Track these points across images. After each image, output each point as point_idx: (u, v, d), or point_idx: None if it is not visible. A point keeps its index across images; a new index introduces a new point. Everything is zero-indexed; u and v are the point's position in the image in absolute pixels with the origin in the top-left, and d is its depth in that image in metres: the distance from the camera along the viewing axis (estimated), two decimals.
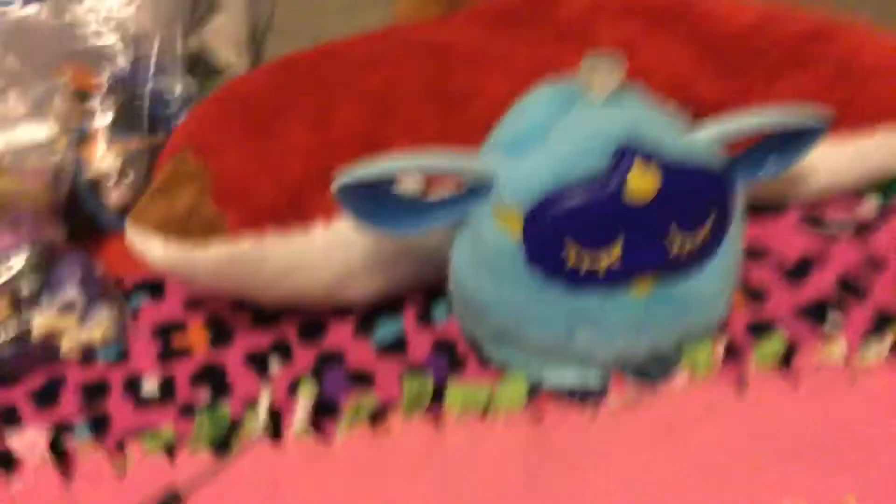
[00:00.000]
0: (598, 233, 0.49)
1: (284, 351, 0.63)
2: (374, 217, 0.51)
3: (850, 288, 0.61)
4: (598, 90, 0.49)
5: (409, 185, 0.56)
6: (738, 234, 0.54)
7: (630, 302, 0.51)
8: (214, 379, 0.61)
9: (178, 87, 0.81)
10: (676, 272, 0.51)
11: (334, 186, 0.47)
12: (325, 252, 0.56)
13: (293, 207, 0.55)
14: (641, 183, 0.47)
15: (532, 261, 0.50)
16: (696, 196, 0.49)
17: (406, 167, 0.49)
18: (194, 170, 0.56)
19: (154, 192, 0.55)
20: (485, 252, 0.51)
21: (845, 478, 0.49)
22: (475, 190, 0.52)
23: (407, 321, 0.64)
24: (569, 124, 0.49)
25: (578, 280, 0.50)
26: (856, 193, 0.69)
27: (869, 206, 0.68)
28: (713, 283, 0.52)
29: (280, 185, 0.55)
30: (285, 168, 0.55)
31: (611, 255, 0.49)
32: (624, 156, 0.47)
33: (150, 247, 0.54)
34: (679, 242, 0.50)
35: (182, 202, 0.54)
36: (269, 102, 0.60)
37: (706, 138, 0.51)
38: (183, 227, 0.53)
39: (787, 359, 0.57)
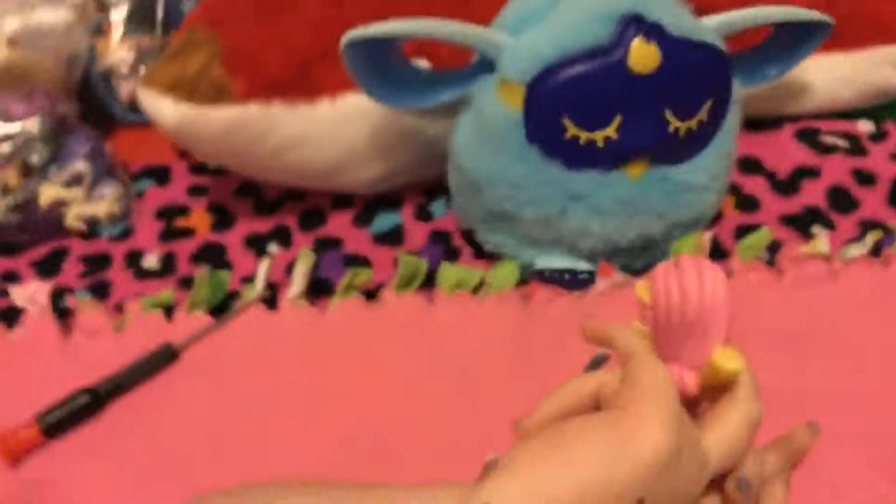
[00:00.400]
0: (599, 106, 0.49)
1: (284, 236, 0.64)
2: (381, 85, 0.52)
3: (840, 199, 0.62)
4: None
5: (419, 63, 0.56)
6: (731, 131, 0.54)
7: (625, 182, 0.51)
8: (214, 257, 0.62)
9: None
10: (671, 155, 0.52)
11: (343, 41, 0.48)
12: (330, 128, 0.57)
13: (301, 80, 0.56)
14: (644, 55, 0.48)
15: (532, 134, 0.50)
16: (695, 76, 0.50)
17: (414, 30, 0.49)
18: (206, 38, 0.57)
19: (166, 57, 0.56)
20: (486, 128, 0.52)
21: (816, 363, 0.50)
22: (480, 65, 0.53)
23: (405, 214, 0.65)
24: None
25: (576, 156, 0.51)
26: (849, 117, 0.69)
27: (862, 128, 0.69)
28: (704, 173, 0.53)
29: (290, 57, 0.56)
30: (296, 40, 0.56)
31: (609, 129, 0.50)
32: (628, 27, 0.48)
33: (160, 107, 0.55)
34: (676, 122, 0.50)
35: (192, 66, 0.55)
36: None
37: (710, 24, 0.52)
38: (192, 90, 0.54)
39: (772, 257, 0.57)
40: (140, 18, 0.80)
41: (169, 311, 0.57)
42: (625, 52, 0.48)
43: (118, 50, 0.78)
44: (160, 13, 0.80)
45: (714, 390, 0.33)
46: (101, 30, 0.79)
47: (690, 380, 0.33)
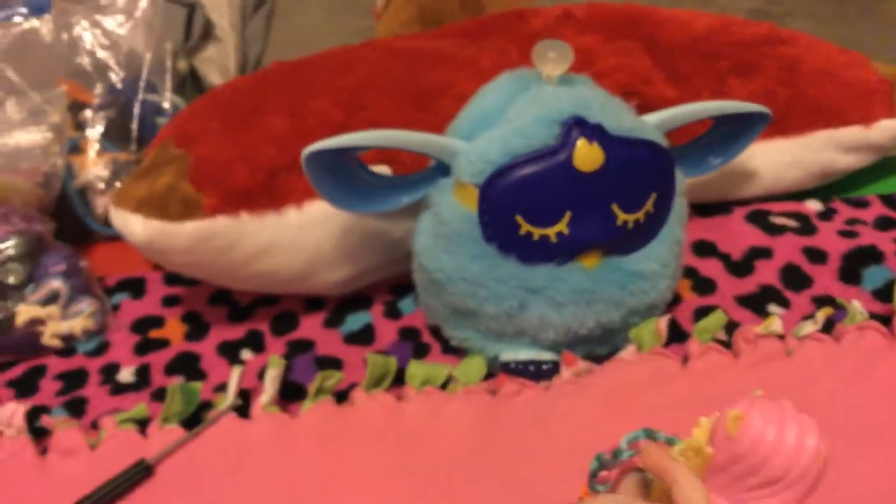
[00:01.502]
0: (549, 204, 0.52)
1: (257, 341, 0.65)
2: (342, 193, 0.54)
3: (793, 277, 0.64)
4: (548, 72, 0.53)
5: (379, 170, 0.59)
6: (679, 219, 0.57)
7: (580, 274, 0.53)
8: (188, 367, 0.63)
9: (166, 105, 0.86)
10: (622, 246, 0.54)
11: (303, 154, 0.50)
12: (297, 234, 0.59)
13: (267, 190, 0.58)
14: (588, 154, 0.51)
15: (488, 233, 0.53)
16: (638, 171, 0.53)
17: (370, 141, 0.52)
18: (175, 156, 0.59)
19: (136, 175, 0.59)
20: (444, 228, 0.54)
21: None
22: (437, 169, 0.55)
23: (374, 313, 0.66)
24: (521, 104, 0.53)
25: (531, 252, 0.53)
26: (798, 198, 0.72)
27: (810, 207, 0.72)
28: (656, 262, 0.55)
29: (255, 170, 0.58)
30: (261, 154, 0.59)
31: (560, 225, 0.52)
32: (571, 129, 0.51)
33: (130, 225, 0.56)
34: (623, 215, 0.53)
35: (161, 183, 0.57)
36: (249, 100, 0.64)
37: (651, 121, 0.55)
38: (161, 207, 0.56)
39: (730, 338, 0.59)
40: (116, 135, 0.83)
41: (144, 425, 0.57)
42: (570, 152, 0.51)
43: (94, 166, 0.81)
44: (135, 129, 0.84)
45: None
46: (77, 147, 0.82)
47: None
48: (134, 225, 0.56)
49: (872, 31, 1.10)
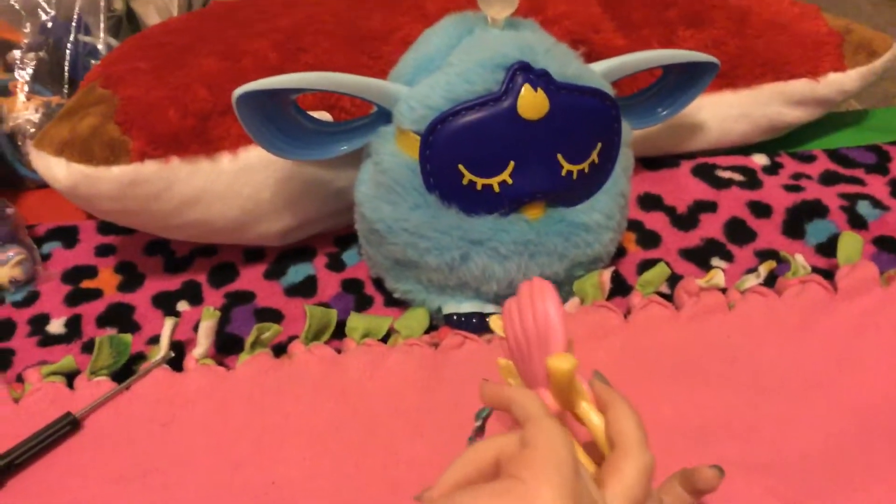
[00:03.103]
0: (492, 152, 0.50)
1: (194, 293, 0.63)
2: (277, 139, 0.52)
3: (737, 231, 0.64)
4: (493, 15, 0.51)
5: (319, 116, 0.57)
6: (625, 171, 0.56)
7: (523, 225, 0.52)
8: (121, 318, 0.61)
9: (101, 46, 0.82)
10: (567, 197, 0.53)
11: (234, 95, 0.48)
12: (232, 181, 0.57)
13: (199, 135, 0.56)
14: (532, 102, 0.49)
15: (430, 182, 0.51)
16: (583, 120, 0.51)
17: (305, 82, 0.50)
18: (101, 97, 0.56)
19: (59, 117, 0.56)
20: (385, 178, 0.52)
21: (714, 393, 0.51)
22: (378, 116, 0.53)
23: (317, 265, 0.65)
24: (465, 48, 0.51)
25: (474, 202, 0.51)
26: (744, 152, 0.72)
27: (756, 161, 0.71)
28: (600, 213, 0.54)
29: (186, 113, 0.55)
30: (193, 96, 0.56)
31: (504, 174, 0.50)
32: (516, 75, 0.49)
33: (52, 168, 0.54)
34: (568, 165, 0.51)
35: (85, 125, 0.54)
36: (183, 40, 0.61)
37: (598, 70, 0.54)
38: (85, 150, 0.53)
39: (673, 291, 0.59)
40: (47, 77, 0.79)
41: (72, 378, 0.55)
42: (514, 99, 0.49)
43: (24, 109, 0.77)
44: (67, 71, 0.80)
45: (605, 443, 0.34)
46: (6, 90, 0.78)
47: (549, 398, 0.36)
48: (56, 169, 0.53)
49: None
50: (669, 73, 0.61)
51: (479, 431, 0.38)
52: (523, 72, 0.49)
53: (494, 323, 0.36)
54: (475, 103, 0.49)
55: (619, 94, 0.56)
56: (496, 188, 0.51)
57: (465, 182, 0.51)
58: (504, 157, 0.50)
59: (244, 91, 0.48)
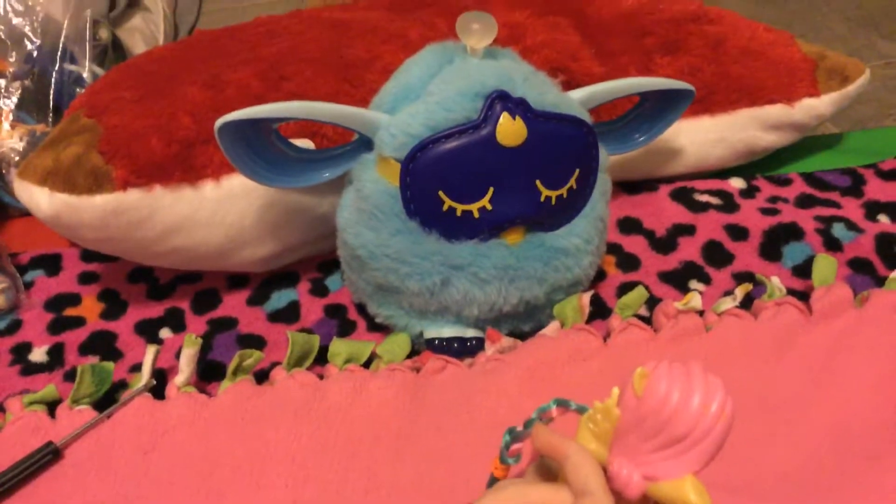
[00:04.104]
0: (471, 179, 0.51)
1: (177, 320, 0.63)
2: (259, 167, 0.52)
3: (715, 254, 0.65)
4: (472, 44, 0.52)
5: (302, 143, 0.57)
6: (603, 196, 0.57)
7: (503, 250, 0.53)
8: (104, 346, 0.61)
9: (86, 75, 0.82)
10: (546, 222, 0.54)
11: (216, 125, 0.48)
12: (215, 209, 0.57)
13: (182, 163, 0.56)
14: (510, 129, 0.50)
15: (410, 208, 0.52)
16: (561, 147, 0.52)
17: (286, 111, 0.50)
18: (84, 126, 0.56)
19: (43, 147, 0.56)
20: (366, 205, 0.53)
21: None
22: (360, 143, 0.54)
23: (301, 290, 0.65)
24: (445, 77, 0.52)
25: (454, 228, 0.52)
26: (722, 176, 0.73)
27: (734, 185, 0.73)
28: (579, 237, 0.55)
29: (170, 141, 0.56)
30: (176, 125, 0.56)
31: (483, 201, 0.51)
32: (494, 103, 0.50)
33: (35, 198, 0.54)
34: (546, 191, 0.52)
35: (68, 154, 0.54)
36: (166, 68, 0.62)
37: (576, 97, 0.55)
38: (68, 179, 0.54)
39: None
40: (32, 105, 0.79)
41: (54, 407, 0.55)
42: (493, 127, 0.50)
43: (8, 138, 0.77)
44: (52, 100, 0.80)
45: None
46: None
47: (635, 486, 0.31)
48: (39, 198, 0.53)
49: (801, 12, 1.12)
50: (646, 100, 0.62)
51: (506, 449, 0.38)
52: (501, 100, 0.50)
53: (638, 378, 0.31)
54: (454, 131, 0.50)
55: (598, 119, 0.57)
56: (476, 214, 0.52)
57: (445, 208, 0.51)
58: (483, 183, 0.51)
59: (225, 121, 0.48)
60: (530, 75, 0.53)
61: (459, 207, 0.51)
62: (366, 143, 0.54)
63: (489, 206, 0.51)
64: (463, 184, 0.51)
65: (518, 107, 0.51)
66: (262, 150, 0.52)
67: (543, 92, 0.52)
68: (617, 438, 0.32)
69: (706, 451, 0.30)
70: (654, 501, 0.32)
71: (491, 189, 0.51)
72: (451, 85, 0.51)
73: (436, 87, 0.52)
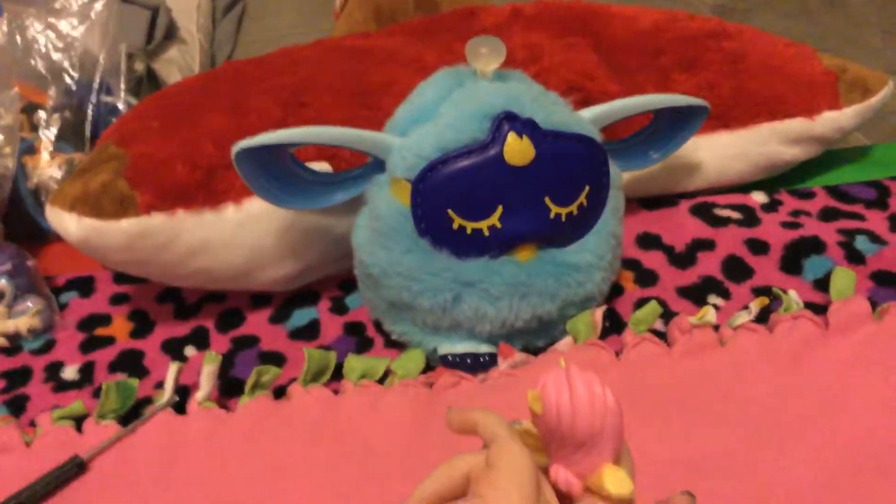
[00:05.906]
0: (480, 198, 0.52)
1: (201, 338, 0.65)
2: (276, 189, 0.54)
3: (735, 269, 0.65)
4: (481, 67, 0.53)
5: (319, 167, 0.59)
6: (615, 212, 0.57)
7: (514, 266, 0.54)
8: (132, 364, 0.63)
9: (121, 106, 0.86)
10: (557, 238, 0.54)
11: (233, 151, 0.50)
12: (236, 231, 0.59)
13: (205, 187, 0.58)
14: (518, 149, 0.51)
15: (421, 227, 0.53)
16: (570, 165, 0.53)
17: (300, 137, 0.52)
18: (113, 155, 0.59)
19: (74, 175, 0.59)
20: (379, 224, 0.54)
21: (704, 431, 0.51)
22: (373, 165, 0.56)
23: (321, 308, 0.66)
24: (455, 99, 0.53)
25: (465, 245, 0.53)
26: (744, 190, 0.73)
27: (755, 199, 0.72)
28: (590, 254, 0.55)
29: (194, 167, 0.58)
30: (200, 151, 0.59)
31: (493, 219, 0.52)
32: (501, 124, 0.51)
33: (64, 223, 0.56)
34: (556, 208, 0.53)
35: (96, 182, 0.57)
36: (192, 98, 0.64)
37: (587, 116, 0.55)
38: (95, 204, 0.56)
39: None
40: (70, 136, 0.83)
41: (81, 422, 0.57)
42: (500, 147, 0.51)
43: (48, 167, 0.81)
44: (88, 131, 0.84)
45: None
46: (32, 148, 0.82)
47: (575, 487, 0.34)
48: (68, 223, 0.56)
49: (835, 25, 1.10)
50: (660, 116, 0.62)
51: None
52: (509, 120, 0.51)
53: (533, 401, 0.34)
54: (463, 151, 0.51)
55: (615, 137, 0.57)
56: (486, 232, 0.52)
57: (455, 226, 0.52)
58: (492, 202, 0.52)
59: (242, 147, 0.50)
60: (539, 95, 0.54)
61: (469, 226, 0.52)
62: (379, 165, 0.55)
63: (499, 224, 0.52)
64: (472, 203, 0.52)
65: (525, 126, 0.51)
66: (278, 173, 0.54)
67: (552, 111, 0.53)
68: (547, 448, 0.35)
69: (610, 441, 0.33)
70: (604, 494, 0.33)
71: (500, 207, 0.52)
72: (460, 107, 0.52)
73: (446, 110, 0.53)
